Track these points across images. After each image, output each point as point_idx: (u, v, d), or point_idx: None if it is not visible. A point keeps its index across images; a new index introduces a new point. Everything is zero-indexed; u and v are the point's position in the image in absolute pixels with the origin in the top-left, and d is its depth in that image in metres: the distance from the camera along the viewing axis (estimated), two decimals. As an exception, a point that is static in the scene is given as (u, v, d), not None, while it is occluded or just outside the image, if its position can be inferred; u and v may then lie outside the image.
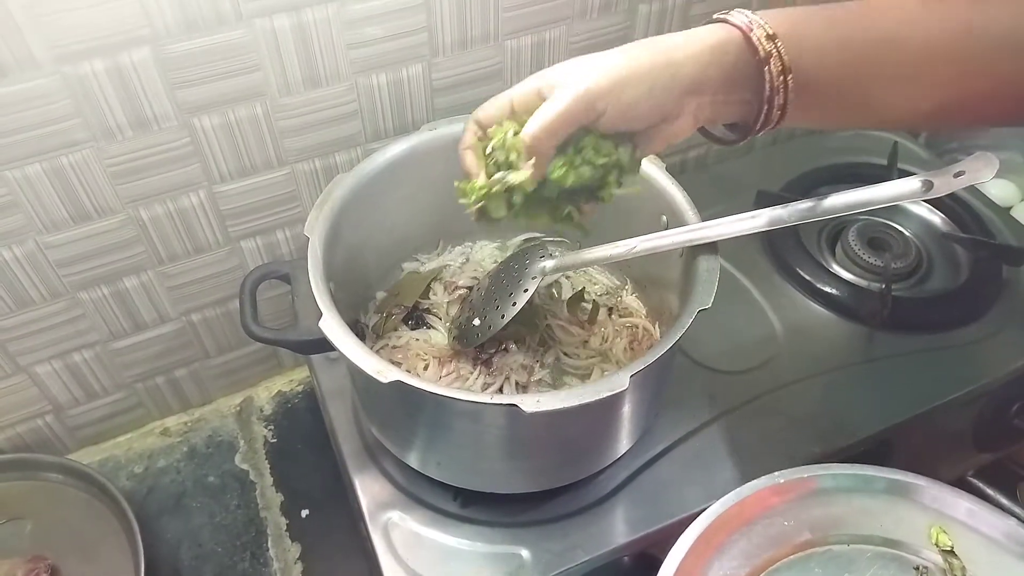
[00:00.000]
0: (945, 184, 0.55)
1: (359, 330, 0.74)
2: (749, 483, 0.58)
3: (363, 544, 0.72)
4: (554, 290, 0.79)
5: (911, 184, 0.56)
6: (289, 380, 0.97)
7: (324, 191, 0.65)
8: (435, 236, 0.79)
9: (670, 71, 0.52)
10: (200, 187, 0.75)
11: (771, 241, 0.91)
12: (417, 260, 0.80)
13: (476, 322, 0.67)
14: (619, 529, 0.68)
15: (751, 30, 0.52)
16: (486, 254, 0.82)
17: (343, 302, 0.68)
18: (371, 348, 0.71)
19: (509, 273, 0.71)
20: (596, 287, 0.80)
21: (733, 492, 0.57)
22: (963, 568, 0.56)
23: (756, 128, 0.55)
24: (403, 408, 0.60)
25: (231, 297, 0.86)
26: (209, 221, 0.78)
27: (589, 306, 0.76)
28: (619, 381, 0.53)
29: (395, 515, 0.69)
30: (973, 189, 1.00)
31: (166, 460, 0.90)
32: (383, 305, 0.76)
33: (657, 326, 0.75)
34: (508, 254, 0.77)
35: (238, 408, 0.95)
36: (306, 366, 0.94)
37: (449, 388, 0.52)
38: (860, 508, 0.59)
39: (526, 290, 0.65)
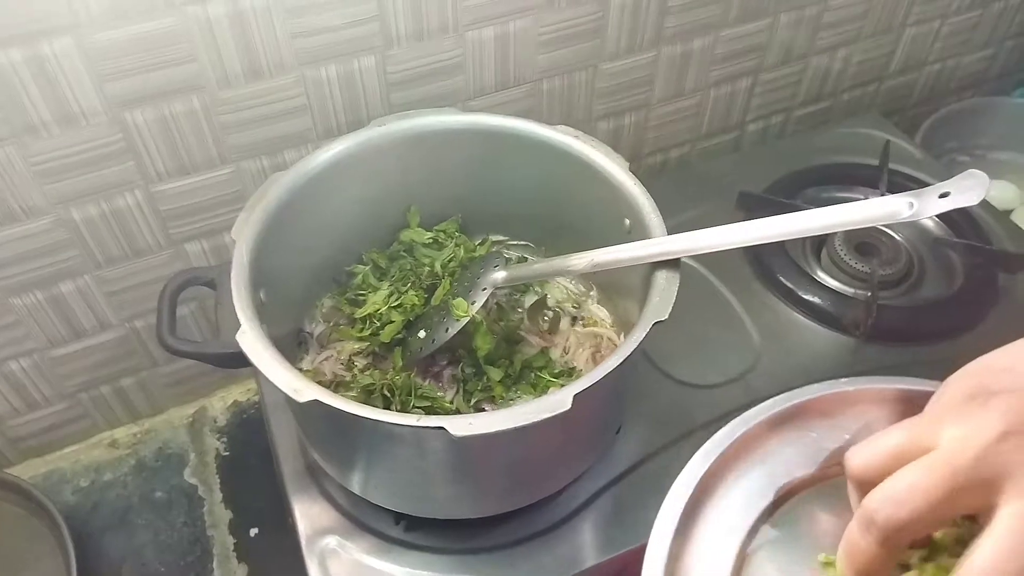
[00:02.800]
0: (927, 206, 0.49)
1: (302, 340, 0.69)
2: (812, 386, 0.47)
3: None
4: (520, 297, 0.74)
5: (888, 206, 0.51)
6: (246, 389, 0.92)
7: (257, 191, 0.60)
8: (388, 238, 0.74)
9: None
10: (136, 186, 0.70)
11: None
12: (366, 264, 0.75)
13: (421, 334, 0.62)
14: (579, 555, 0.63)
15: None
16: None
17: (282, 310, 0.63)
18: (313, 360, 0.67)
19: (462, 283, 0.66)
20: (560, 294, 0.75)
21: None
22: None
23: None
24: (333, 429, 0.56)
25: (179, 302, 0.81)
26: (148, 223, 0.73)
27: (551, 314, 0.72)
28: (561, 401, 0.48)
29: (334, 541, 0.64)
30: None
31: (113, 474, 0.86)
32: (331, 314, 0.71)
33: (623, 336, 0.70)
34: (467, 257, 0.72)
35: (191, 419, 0.90)
36: (261, 375, 0.90)
37: (370, 408, 0.47)
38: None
39: (474, 302, 0.60)
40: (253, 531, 0.81)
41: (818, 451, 0.46)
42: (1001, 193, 1.11)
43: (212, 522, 0.82)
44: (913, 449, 0.33)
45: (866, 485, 0.34)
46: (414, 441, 0.52)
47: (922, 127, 1.09)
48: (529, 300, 0.73)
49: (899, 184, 0.90)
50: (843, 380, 0.47)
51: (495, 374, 0.64)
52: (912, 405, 0.42)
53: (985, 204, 0.93)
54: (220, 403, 0.91)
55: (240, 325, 0.51)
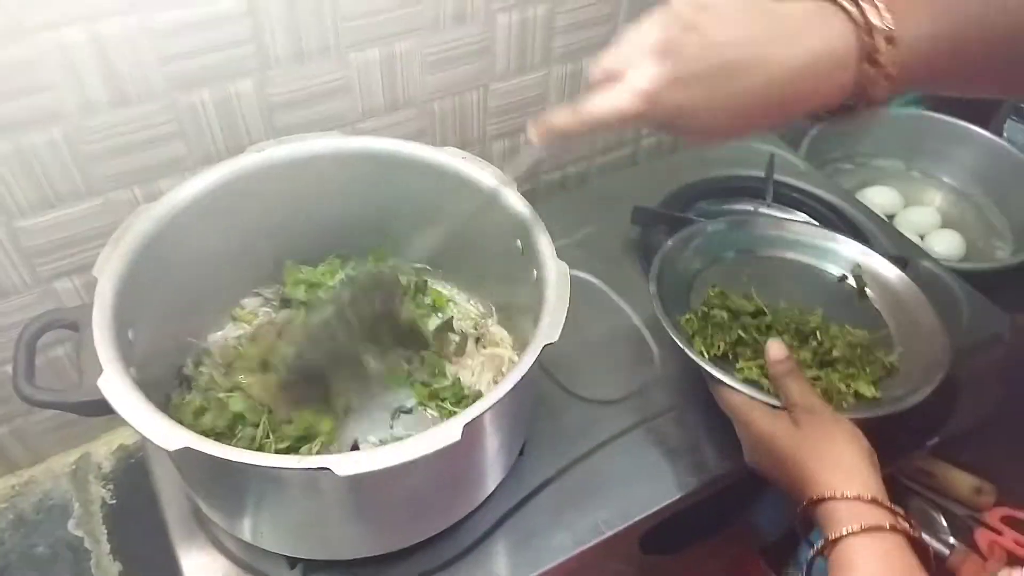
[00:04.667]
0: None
1: (182, 379, 0.65)
2: None
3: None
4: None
5: None
6: (132, 433, 0.85)
7: (122, 225, 0.56)
8: (271, 269, 0.71)
9: None
10: (-5, 223, 0.65)
11: (647, 258, 0.86)
12: (259, 295, 0.72)
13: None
14: (487, 583, 0.62)
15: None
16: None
17: (156, 350, 0.59)
18: (198, 402, 0.63)
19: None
20: (462, 317, 0.74)
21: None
22: None
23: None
24: (213, 476, 0.53)
25: (54, 343, 0.76)
26: (11, 260, 0.68)
27: (457, 337, 0.70)
28: (450, 432, 0.46)
29: (227, 590, 0.60)
30: (851, 198, 0.98)
31: (-12, 530, 0.80)
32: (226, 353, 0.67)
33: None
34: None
35: (74, 467, 0.84)
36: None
37: (247, 453, 0.45)
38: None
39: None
40: (144, 584, 0.77)
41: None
42: (884, 199, 1.16)
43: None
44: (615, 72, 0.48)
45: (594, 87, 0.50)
46: (301, 482, 0.49)
47: (806, 139, 1.13)
48: (433, 323, 0.72)
49: (784, 195, 0.93)
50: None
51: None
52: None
53: (867, 210, 0.96)
54: (104, 448, 0.86)
55: (102, 370, 0.48)
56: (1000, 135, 1.18)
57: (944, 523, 0.89)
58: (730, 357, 0.71)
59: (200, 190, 0.61)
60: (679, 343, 0.67)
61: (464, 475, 0.57)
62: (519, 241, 0.63)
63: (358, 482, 0.47)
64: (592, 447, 0.70)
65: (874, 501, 0.53)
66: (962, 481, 0.90)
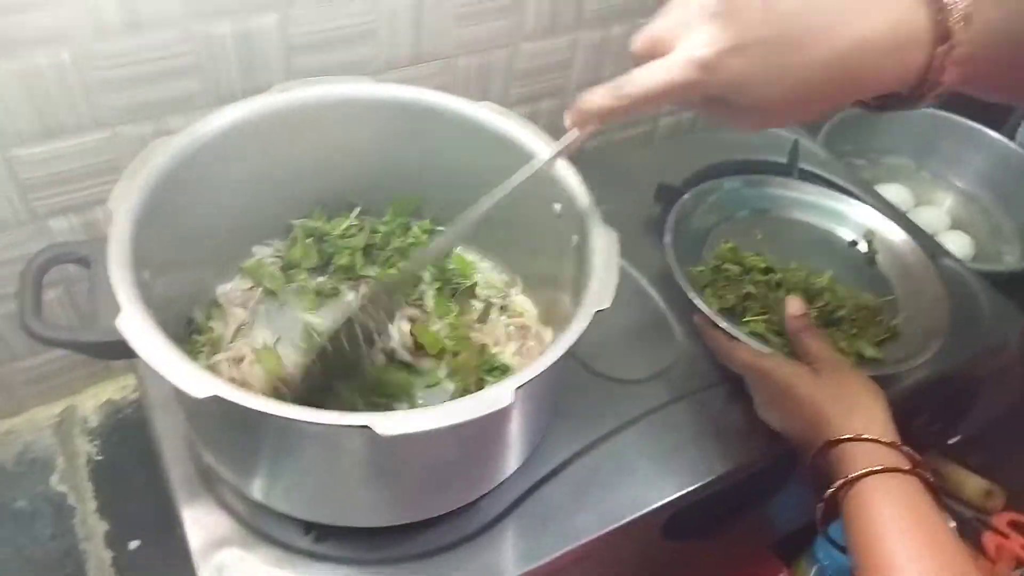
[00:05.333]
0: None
1: (192, 330, 0.61)
2: None
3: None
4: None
5: None
6: (121, 387, 0.82)
7: (139, 156, 0.52)
8: (288, 220, 0.67)
9: None
10: (-9, 149, 0.60)
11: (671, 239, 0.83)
12: (270, 245, 0.68)
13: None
14: (504, 563, 0.59)
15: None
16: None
17: (171, 296, 0.55)
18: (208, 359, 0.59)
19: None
20: (485, 285, 0.70)
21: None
22: None
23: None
24: (233, 430, 0.49)
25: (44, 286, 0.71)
26: (6, 192, 0.63)
27: (480, 304, 0.67)
28: (501, 395, 0.43)
29: (232, 554, 0.56)
30: (871, 190, 0.97)
31: (-36, 482, 0.75)
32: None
33: (551, 330, 0.66)
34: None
35: (58, 419, 0.80)
36: (139, 370, 0.80)
37: (284, 405, 0.41)
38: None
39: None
40: (133, 544, 0.73)
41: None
42: (894, 197, 1.15)
43: (85, 534, 0.73)
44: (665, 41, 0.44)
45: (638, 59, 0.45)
46: (333, 442, 0.46)
47: (822, 130, 1.11)
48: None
49: (809, 182, 0.91)
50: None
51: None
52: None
53: (886, 203, 0.95)
54: (91, 401, 0.81)
55: (120, 308, 0.44)
56: (1013, 138, 1.17)
57: (953, 525, 0.88)
58: (738, 311, 0.73)
59: (222, 127, 0.57)
60: (688, 293, 0.70)
61: (497, 446, 0.54)
62: (557, 205, 0.60)
63: (392, 445, 0.43)
64: (615, 427, 0.67)
65: (893, 444, 0.54)
66: (972, 484, 0.89)
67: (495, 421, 0.43)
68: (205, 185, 0.57)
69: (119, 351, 0.45)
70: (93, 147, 0.64)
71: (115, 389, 0.82)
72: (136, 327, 0.42)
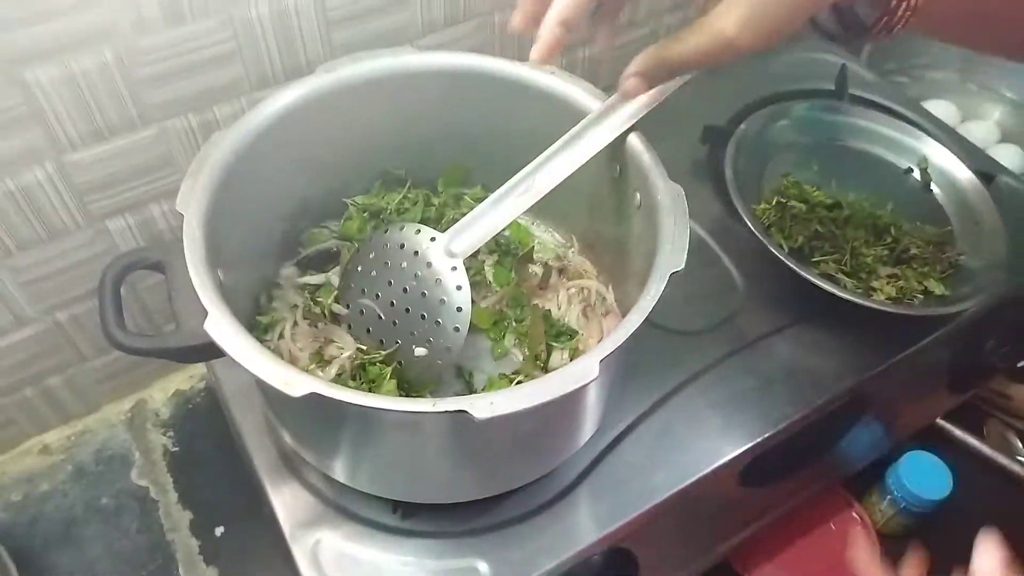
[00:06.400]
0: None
1: (254, 323, 0.62)
2: None
3: (288, 567, 0.61)
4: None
5: None
6: (188, 376, 0.84)
7: (199, 154, 0.51)
8: (343, 202, 0.66)
9: None
10: (46, 157, 0.60)
11: (719, 181, 0.82)
12: (325, 228, 0.68)
13: (418, 352, 0.54)
14: (586, 525, 0.60)
15: None
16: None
17: (240, 291, 0.55)
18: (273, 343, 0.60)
19: (398, 277, 0.56)
20: (541, 247, 0.69)
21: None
22: None
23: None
24: (324, 421, 0.49)
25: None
26: (62, 198, 0.63)
27: (540, 269, 0.66)
28: (588, 369, 0.43)
29: (323, 534, 0.58)
30: (921, 109, 0.94)
31: (49, 483, 0.77)
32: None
33: (611, 289, 0.65)
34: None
35: (129, 415, 0.81)
36: (206, 360, 0.81)
37: (381, 398, 0.41)
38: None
39: (459, 287, 0.53)
40: (219, 530, 0.75)
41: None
42: (940, 113, 1.11)
43: (171, 525, 0.75)
44: None
45: None
46: (422, 426, 0.46)
47: (864, 49, 1.07)
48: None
49: (860, 106, 0.88)
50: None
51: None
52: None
53: (938, 121, 0.92)
54: (160, 394, 0.83)
55: (205, 312, 0.44)
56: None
57: (1020, 445, 0.87)
58: (806, 251, 0.72)
59: (272, 115, 0.56)
60: (758, 235, 0.68)
61: (578, 416, 0.54)
62: (618, 166, 0.59)
63: (483, 427, 0.43)
64: (683, 380, 0.67)
65: None
66: (1039, 402, 0.88)
67: (579, 394, 0.43)
68: (262, 175, 0.56)
69: (206, 353, 0.45)
70: (142, 144, 0.64)
71: (183, 379, 0.83)
72: (224, 330, 0.43)
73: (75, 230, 0.66)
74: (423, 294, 0.54)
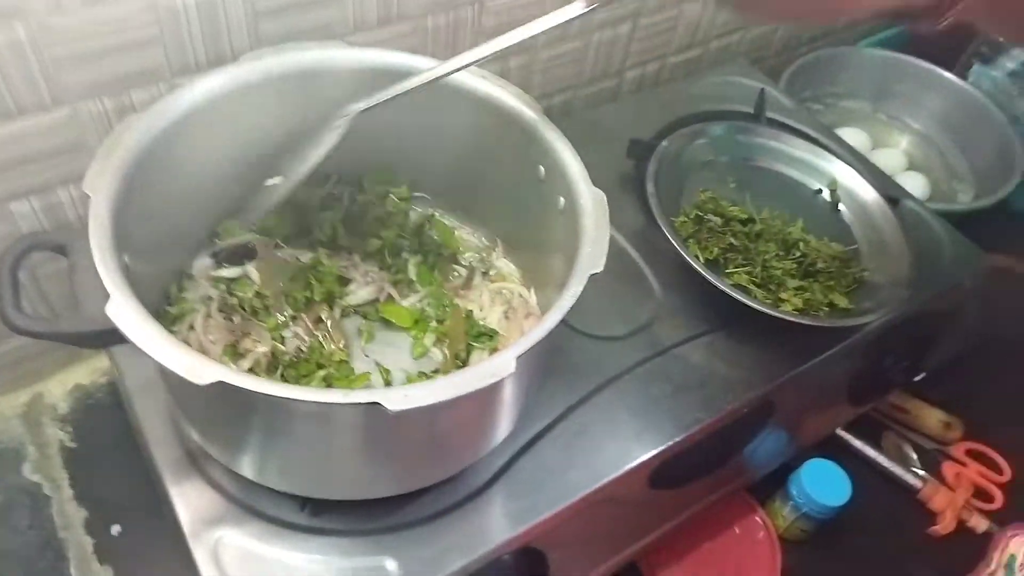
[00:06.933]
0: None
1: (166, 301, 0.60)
2: None
3: (190, 567, 0.59)
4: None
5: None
6: (90, 370, 0.80)
7: (111, 136, 0.50)
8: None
9: None
10: (-55, 133, 0.57)
11: (642, 194, 0.84)
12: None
13: (270, 181, 0.55)
14: (498, 524, 0.60)
15: None
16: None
17: (148, 279, 0.54)
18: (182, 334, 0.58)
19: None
20: (466, 249, 0.70)
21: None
22: None
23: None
24: (230, 411, 0.48)
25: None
26: (-38, 177, 0.60)
27: (464, 270, 0.66)
28: (504, 364, 0.43)
29: (226, 532, 0.56)
30: (835, 136, 0.98)
31: (-66, 476, 0.72)
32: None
33: (533, 292, 0.66)
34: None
35: (25, 408, 0.77)
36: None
37: (289, 387, 0.40)
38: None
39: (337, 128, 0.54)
40: (115, 529, 0.71)
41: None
42: (853, 140, 1.17)
43: (64, 523, 0.71)
44: None
45: None
46: (334, 418, 0.45)
47: (783, 76, 1.12)
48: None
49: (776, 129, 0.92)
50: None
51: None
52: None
53: (849, 148, 0.96)
54: (59, 388, 0.79)
55: (107, 296, 0.42)
56: (965, 79, 1.20)
57: (915, 456, 0.92)
58: (720, 263, 0.75)
59: (193, 101, 0.55)
60: (676, 245, 0.71)
61: (493, 414, 0.54)
62: (542, 168, 0.60)
63: (396, 420, 0.43)
64: (600, 384, 0.68)
65: None
66: (932, 416, 0.93)
67: (495, 390, 0.43)
68: (178, 161, 0.55)
69: (107, 339, 0.44)
70: (53, 126, 0.61)
71: (84, 374, 0.80)
72: (127, 314, 0.41)
73: (-27, 211, 0.62)
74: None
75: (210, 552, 0.55)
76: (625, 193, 0.85)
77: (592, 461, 0.64)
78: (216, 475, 0.58)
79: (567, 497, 0.61)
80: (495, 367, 0.43)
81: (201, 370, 0.40)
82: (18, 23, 0.55)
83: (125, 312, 0.41)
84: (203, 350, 0.58)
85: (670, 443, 0.66)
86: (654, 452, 0.65)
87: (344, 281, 0.64)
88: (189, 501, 0.57)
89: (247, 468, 0.54)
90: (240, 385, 0.39)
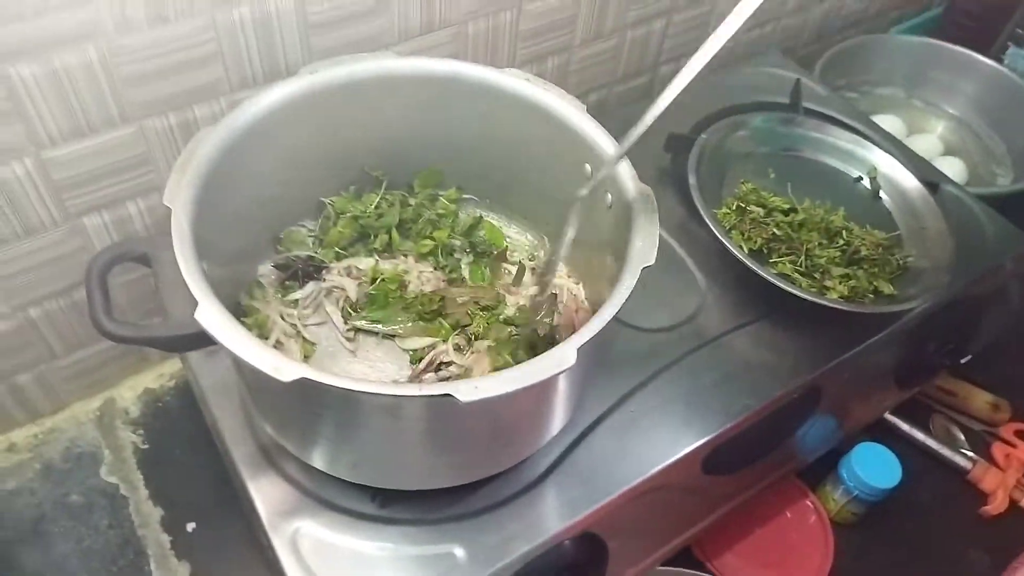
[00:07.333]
0: None
1: (239, 316, 0.63)
2: None
3: (266, 558, 0.62)
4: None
5: None
6: (158, 375, 0.84)
7: (185, 150, 0.53)
8: (319, 201, 0.68)
9: None
10: (25, 153, 0.61)
11: (682, 187, 0.85)
12: (303, 227, 0.69)
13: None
14: (557, 512, 0.62)
15: None
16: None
17: (222, 283, 0.56)
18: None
19: None
20: (512, 248, 0.72)
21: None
22: None
23: None
24: (307, 407, 0.51)
25: (77, 285, 0.72)
26: (39, 194, 0.64)
27: (514, 268, 0.69)
28: (566, 356, 0.45)
29: (303, 524, 0.59)
30: (872, 123, 0.99)
31: (16, 481, 0.76)
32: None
33: (582, 287, 0.68)
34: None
35: (98, 413, 0.81)
36: (177, 358, 0.82)
37: (367, 382, 0.43)
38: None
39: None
40: (190, 526, 0.75)
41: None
42: (888, 127, 1.17)
43: (141, 521, 0.75)
44: None
45: None
46: (407, 412, 0.48)
47: (817, 65, 1.12)
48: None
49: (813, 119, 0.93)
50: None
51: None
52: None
53: (887, 134, 0.97)
54: (130, 392, 0.83)
55: (192, 302, 0.45)
56: (1000, 62, 1.19)
57: (963, 438, 0.92)
58: (764, 253, 0.76)
59: (258, 113, 0.58)
60: (720, 236, 0.72)
61: (553, 404, 0.57)
62: (588, 166, 0.62)
63: (464, 410, 0.46)
64: (650, 374, 0.70)
65: None
66: (980, 398, 0.93)
67: (555, 382, 0.45)
68: (244, 172, 0.58)
69: (194, 343, 0.47)
70: (122, 142, 0.64)
71: (152, 378, 0.84)
72: (215, 318, 0.44)
73: (51, 226, 0.66)
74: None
75: (289, 543, 0.58)
76: (664, 187, 0.87)
77: (645, 449, 0.66)
78: (290, 470, 0.61)
79: (622, 484, 0.63)
80: (558, 359, 0.45)
81: (285, 369, 0.42)
82: (90, 45, 0.58)
83: (213, 316, 0.44)
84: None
85: (720, 430, 0.67)
86: (705, 439, 0.66)
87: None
88: (266, 495, 0.60)
89: (320, 461, 0.57)
90: (321, 381, 0.42)
